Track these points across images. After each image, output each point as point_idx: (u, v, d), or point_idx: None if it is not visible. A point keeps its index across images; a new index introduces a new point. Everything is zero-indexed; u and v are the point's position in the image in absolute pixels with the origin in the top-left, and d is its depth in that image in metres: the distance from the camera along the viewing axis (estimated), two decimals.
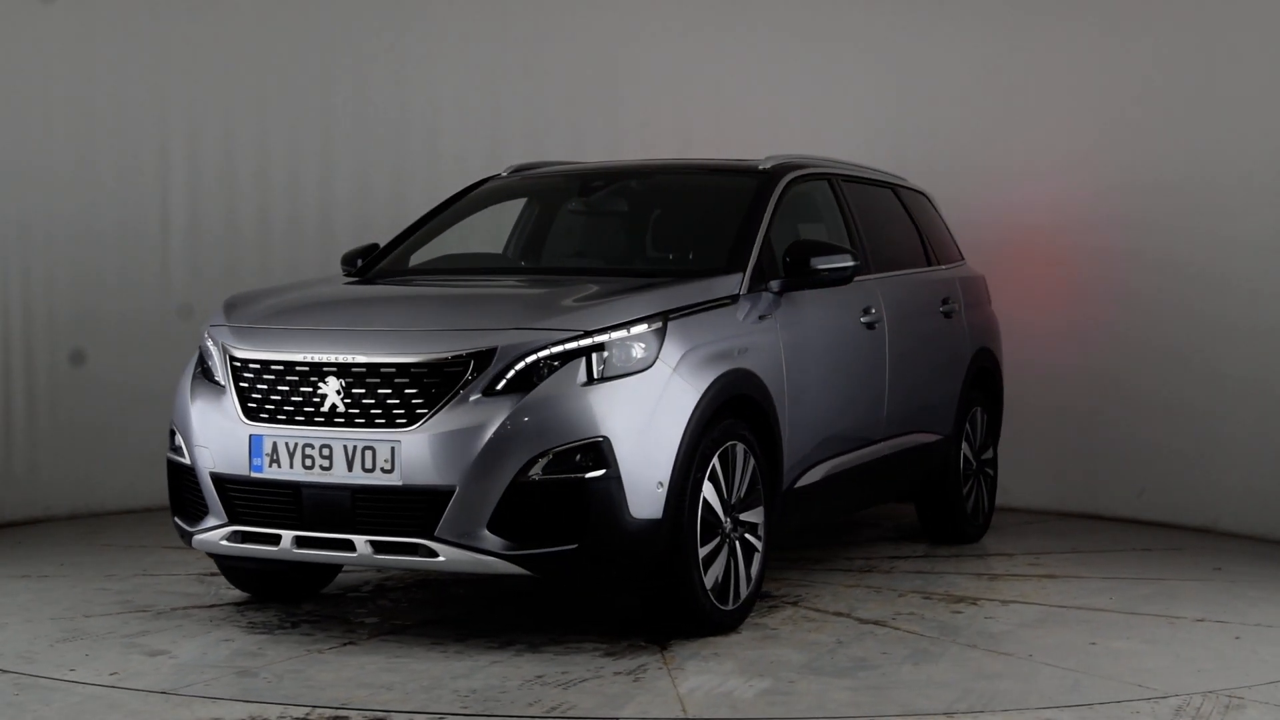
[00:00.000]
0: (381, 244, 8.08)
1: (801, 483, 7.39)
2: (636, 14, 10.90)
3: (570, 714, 5.55)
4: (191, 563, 8.10)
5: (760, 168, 7.89)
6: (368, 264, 7.88)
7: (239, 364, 6.61)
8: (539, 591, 7.61)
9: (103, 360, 9.80)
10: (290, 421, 6.44)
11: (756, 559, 6.97)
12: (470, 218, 8.25)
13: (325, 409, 6.38)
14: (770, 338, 7.12)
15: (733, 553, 6.80)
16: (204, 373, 6.82)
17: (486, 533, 6.19)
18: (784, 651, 6.50)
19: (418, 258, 8.01)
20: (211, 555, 6.92)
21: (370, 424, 6.29)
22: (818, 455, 7.53)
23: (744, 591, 6.88)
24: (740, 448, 6.82)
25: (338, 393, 6.37)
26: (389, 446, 6.25)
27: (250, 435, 6.49)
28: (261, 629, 6.82)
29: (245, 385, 6.58)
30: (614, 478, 6.24)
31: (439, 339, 6.36)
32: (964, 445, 9.08)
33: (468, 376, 6.25)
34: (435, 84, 10.76)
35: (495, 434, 6.16)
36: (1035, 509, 10.39)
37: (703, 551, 6.59)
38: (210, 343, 6.81)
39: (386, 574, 7.87)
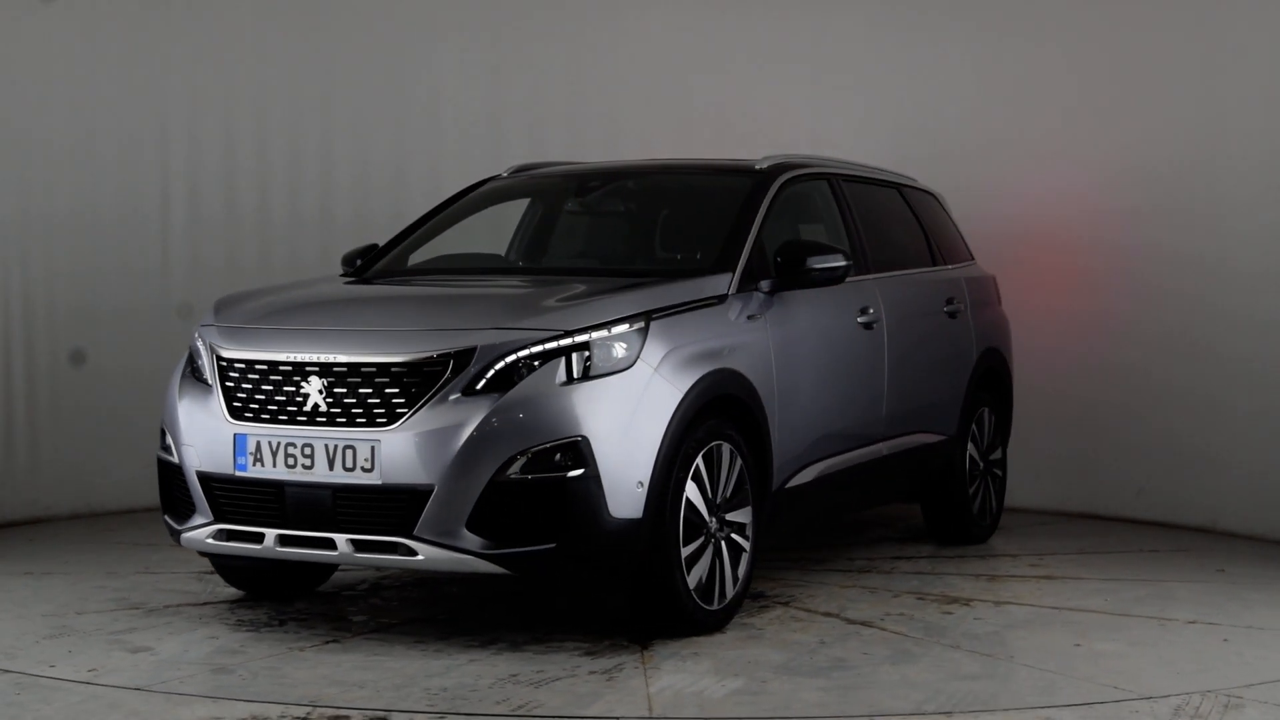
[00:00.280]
0: (381, 243, 8.12)
1: (793, 483, 7.39)
2: (637, 14, 10.92)
3: (536, 713, 5.57)
4: (192, 561, 8.15)
5: (756, 168, 7.88)
6: (365, 264, 7.93)
7: (225, 363, 6.67)
8: (529, 591, 7.63)
9: (103, 358, 9.85)
10: (274, 421, 6.49)
11: (744, 559, 6.97)
12: (471, 218, 8.28)
13: (308, 408, 6.42)
14: (759, 337, 7.12)
15: (718, 553, 6.80)
16: (193, 372, 6.88)
17: (465, 532, 6.22)
18: (765, 651, 6.50)
19: (417, 258, 8.05)
20: (202, 553, 6.97)
21: (351, 423, 6.34)
22: (811, 455, 7.52)
23: (730, 591, 6.88)
24: (726, 448, 6.83)
25: (320, 392, 6.42)
26: (369, 446, 6.29)
27: (234, 434, 6.55)
28: (248, 626, 6.88)
29: (231, 385, 6.63)
30: (593, 477, 6.26)
31: (419, 339, 6.40)
32: (970, 446, 9.03)
33: (447, 376, 6.28)
34: (435, 83, 10.80)
35: (473, 433, 6.19)
36: (1049, 510, 10.32)
37: (686, 551, 6.60)
38: (200, 342, 6.88)
39: (384, 572, 7.92)
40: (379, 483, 6.27)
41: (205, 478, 6.64)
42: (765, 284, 7.27)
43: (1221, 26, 9.64)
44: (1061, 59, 10.28)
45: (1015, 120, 10.39)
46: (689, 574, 6.62)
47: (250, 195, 10.41)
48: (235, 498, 6.58)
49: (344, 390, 6.38)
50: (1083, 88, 10.17)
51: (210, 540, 6.68)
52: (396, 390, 6.31)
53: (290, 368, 6.49)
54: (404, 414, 6.26)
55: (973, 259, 9.56)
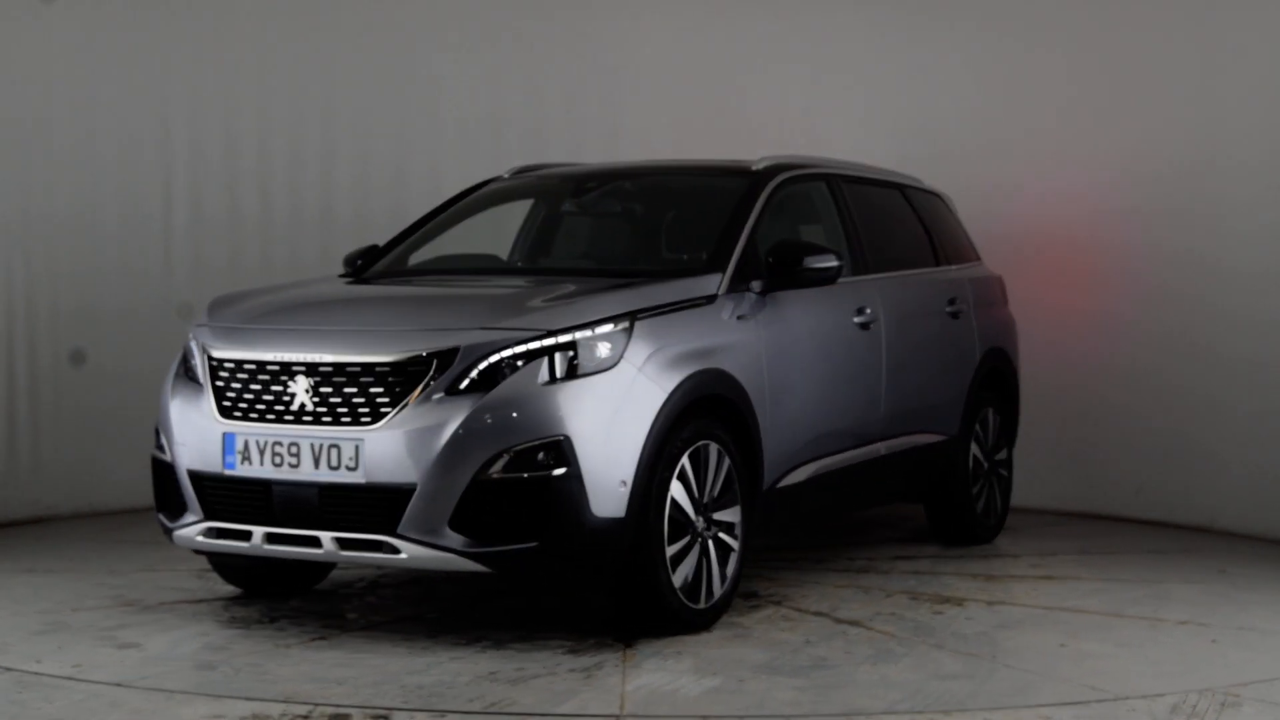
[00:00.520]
0: (381, 244, 8.18)
1: (785, 482, 7.40)
2: (638, 15, 10.94)
3: (508, 710, 5.61)
4: (194, 559, 8.18)
5: (753, 168, 7.90)
6: (364, 264, 7.99)
7: (215, 363, 6.74)
8: (522, 590, 7.66)
9: (105, 358, 9.91)
10: (262, 420, 6.55)
11: (733, 558, 6.98)
12: (472, 219, 8.33)
13: (295, 408, 6.48)
14: (749, 337, 7.13)
15: (705, 552, 6.81)
16: (186, 372, 6.95)
17: (448, 530, 6.26)
18: (748, 651, 6.52)
19: (417, 258, 8.10)
20: (197, 551, 7.02)
21: (337, 422, 6.39)
22: (804, 455, 7.53)
23: (718, 590, 6.89)
24: (713, 447, 6.84)
25: (307, 392, 6.47)
26: (353, 445, 6.34)
27: (224, 433, 6.61)
28: (240, 624, 6.94)
29: (221, 384, 6.70)
30: (574, 476, 6.29)
31: (404, 339, 6.45)
32: (974, 446, 9.01)
33: (431, 376, 6.33)
34: (436, 84, 10.85)
35: (455, 432, 6.23)
36: (1055, 510, 10.29)
37: (671, 550, 6.62)
38: (193, 342, 6.95)
39: (383, 571, 7.96)
40: (363, 481, 6.32)
41: (196, 476, 6.71)
42: (757, 284, 7.28)
43: (1221, 26, 9.61)
44: (1064, 59, 10.25)
45: (1022, 120, 10.38)
46: (674, 573, 6.64)
47: (251, 195, 10.47)
48: (225, 496, 6.65)
49: (330, 390, 6.43)
50: (1085, 88, 10.15)
51: (200, 538, 6.75)
52: (381, 390, 6.36)
53: (278, 367, 6.55)
54: (388, 413, 6.31)
55: (979, 259, 9.54)
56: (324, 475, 6.38)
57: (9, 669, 6.09)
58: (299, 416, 6.47)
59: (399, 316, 6.75)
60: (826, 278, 7.42)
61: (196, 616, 7.09)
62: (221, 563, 7.40)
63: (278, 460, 6.48)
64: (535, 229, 8.57)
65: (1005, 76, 10.43)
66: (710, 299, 7.05)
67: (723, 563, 6.93)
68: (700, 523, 6.79)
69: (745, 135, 10.02)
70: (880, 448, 8.17)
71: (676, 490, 6.64)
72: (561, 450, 6.29)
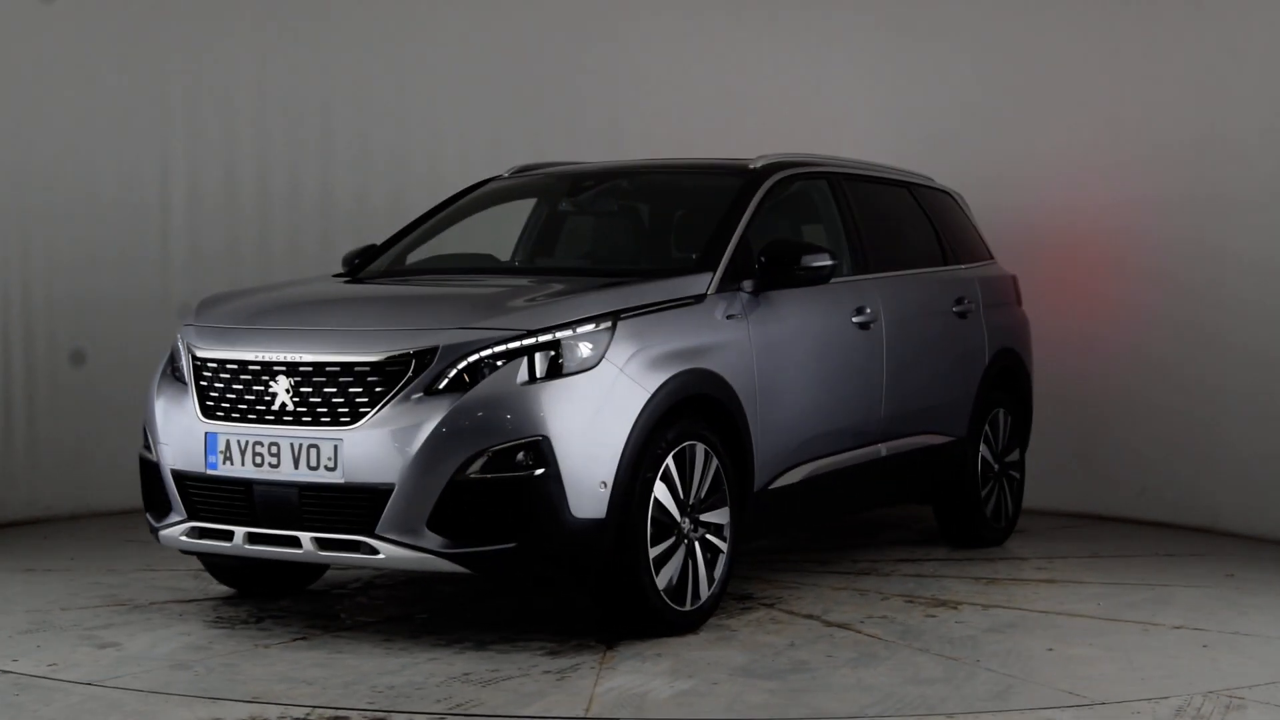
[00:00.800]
0: (380, 243, 8.17)
1: (778, 484, 7.33)
2: (638, 14, 10.91)
3: (472, 711, 5.58)
4: (194, 559, 8.14)
5: (750, 167, 7.84)
6: (361, 264, 7.98)
7: (199, 363, 6.74)
8: (516, 591, 7.63)
9: (102, 354, 9.91)
10: (244, 420, 6.55)
11: (721, 560, 6.93)
12: (472, 218, 8.31)
13: (276, 407, 6.47)
14: (739, 337, 7.08)
15: (691, 553, 6.76)
16: (173, 372, 6.96)
17: (426, 530, 6.24)
18: (729, 653, 6.46)
19: (415, 258, 8.09)
20: (184, 551, 7.02)
21: (317, 422, 6.38)
22: (799, 456, 7.46)
23: (705, 592, 6.84)
24: (700, 448, 6.79)
25: (287, 391, 6.46)
26: (332, 445, 6.33)
27: (206, 433, 6.62)
28: (224, 624, 6.94)
29: (205, 384, 6.70)
30: (553, 477, 6.25)
31: (383, 338, 6.43)
32: (983, 447, 8.91)
33: (409, 376, 6.30)
34: (435, 83, 10.83)
35: (433, 432, 6.20)
36: (1067, 511, 10.16)
37: (655, 552, 6.57)
38: (180, 342, 6.95)
39: (379, 571, 7.94)
40: (341, 482, 6.30)
41: (179, 476, 6.72)
42: (748, 284, 7.22)
43: (1230, 14, 9.49)
44: (1071, 53, 10.16)
45: (1029, 119, 10.27)
46: (659, 574, 6.59)
47: (250, 191, 10.48)
48: (207, 496, 6.65)
49: (310, 390, 6.42)
50: (1093, 81, 10.07)
51: (184, 538, 6.76)
52: (360, 390, 6.35)
53: (259, 367, 6.55)
54: (367, 413, 6.29)
55: (991, 258, 9.44)
56: (303, 475, 6.37)
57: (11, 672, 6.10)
58: (280, 416, 6.46)
59: (380, 316, 6.73)
60: (820, 277, 7.36)
61: (183, 616, 7.09)
62: (214, 563, 7.41)
63: (258, 460, 6.48)
64: (534, 228, 8.55)
65: (1011, 75, 10.33)
66: (699, 298, 6.99)
67: (711, 565, 6.87)
68: (686, 524, 6.73)
69: (751, 134, 9.97)
70: (881, 449, 8.08)
71: (660, 491, 6.58)
72: (540, 450, 6.26)
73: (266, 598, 7.45)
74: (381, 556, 6.29)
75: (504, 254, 8.37)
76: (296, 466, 6.39)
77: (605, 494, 6.37)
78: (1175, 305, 9.78)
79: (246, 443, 6.50)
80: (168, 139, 10.31)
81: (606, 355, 6.46)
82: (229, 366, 6.63)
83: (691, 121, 10.64)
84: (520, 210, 8.54)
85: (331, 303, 7.14)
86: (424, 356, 6.32)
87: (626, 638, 6.62)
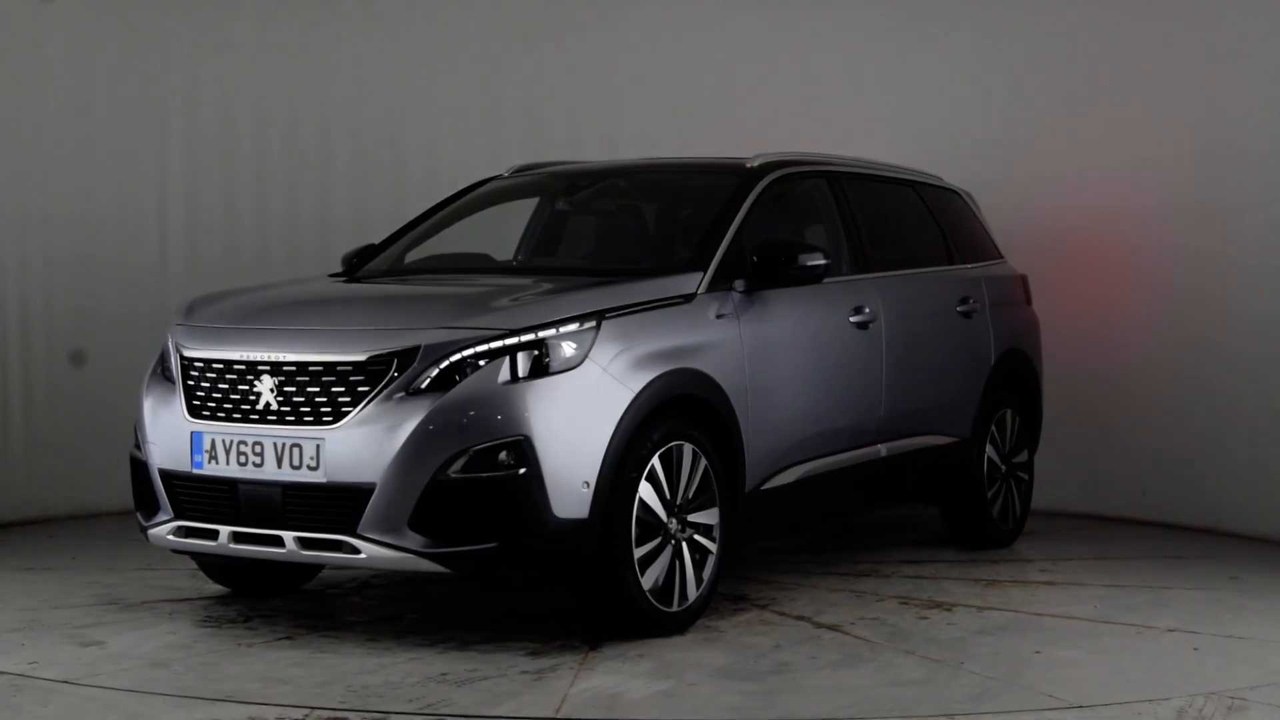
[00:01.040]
0: (378, 244, 8.17)
1: (771, 484, 7.29)
2: (638, 13, 10.90)
3: (442, 711, 5.56)
4: (193, 559, 8.25)
5: (746, 166, 7.81)
6: (357, 263, 7.99)
7: (187, 362, 6.76)
8: (511, 592, 7.61)
9: (101, 358, 9.92)
10: (229, 419, 6.56)
11: (711, 560, 6.89)
12: (471, 218, 8.30)
13: (260, 407, 6.48)
14: (730, 336, 7.04)
15: (678, 554, 6.72)
16: (163, 371, 6.98)
17: (408, 530, 6.23)
18: (713, 654, 6.43)
19: (413, 257, 8.08)
20: (175, 551, 7.03)
21: (300, 422, 6.38)
22: (792, 456, 7.42)
23: (693, 593, 6.80)
24: (688, 448, 6.76)
25: (272, 391, 6.47)
26: (314, 444, 6.34)
27: (192, 432, 6.63)
28: (212, 623, 6.95)
29: (192, 383, 6.72)
30: (534, 477, 6.23)
31: (367, 338, 6.43)
32: (989, 448, 8.84)
33: (391, 375, 6.30)
34: (435, 83, 10.83)
35: (414, 432, 6.20)
36: (1093, 515, 10.08)
37: (640, 552, 6.54)
38: (170, 341, 6.97)
39: (376, 570, 7.91)
40: (324, 481, 6.30)
41: (166, 475, 6.74)
42: (740, 283, 7.18)
43: (1229, 19, 9.42)
44: (1076, 55, 10.12)
45: (1038, 118, 10.21)
46: (644, 575, 6.56)
47: (249, 194, 10.49)
48: (193, 495, 6.67)
49: (293, 389, 6.43)
50: (1097, 82, 10.02)
51: (171, 537, 6.78)
52: (343, 389, 6.35)
53: (244, 366, 6.56)
54: (349, 413, 6.29)
55: (1000, 258, 9.37)
56: (286, 475, 6.38)
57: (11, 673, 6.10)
58: (264, 416, 6.47)
59: (364, 316, 6.73)
60: (813, 276, 7.32)
61: (173, 615, 7.11)
62: (208, 562, 7.43)
63: (242, 460, 6.49)
64: (534, 228, 8.54)
65: (1025, 77, 10.28)
66: (688, 298, 6.96)
67: (700, 565, 6.84)
68: (674, 525, 6.70)
69: (757, 134, 9.90)
70: (880, 449, 8.03)
71: (646, 491, 6.55)
72: (521, 450, 6.24)
73: (259, 597, 7.46)
74: (363, 556, 6.29)
75: (503, 253, 8.35)
76: (280, 466, 6.39)
77: (588, 494, 6.35)
78: (1179, 310, 9.72)
79: (231, 442, 6.52)
80: (166, 140, 10.32)
81: (590, 355, 6.43)
82: (215, 366, 6.64)
83: (699, 121, 10.61)
84: (519, 210, 8.53)
85: (318, 303, 7.14)
86: (406, 356, 6.32)
87: (612, 639, 6.59)
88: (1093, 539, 9.36)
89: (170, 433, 6.73)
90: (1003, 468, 9.00)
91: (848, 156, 8.54)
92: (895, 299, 8.14)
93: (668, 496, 6.66)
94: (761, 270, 7.24)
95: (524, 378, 6.31)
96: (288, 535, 6.41)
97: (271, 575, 7.50)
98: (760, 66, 10.72)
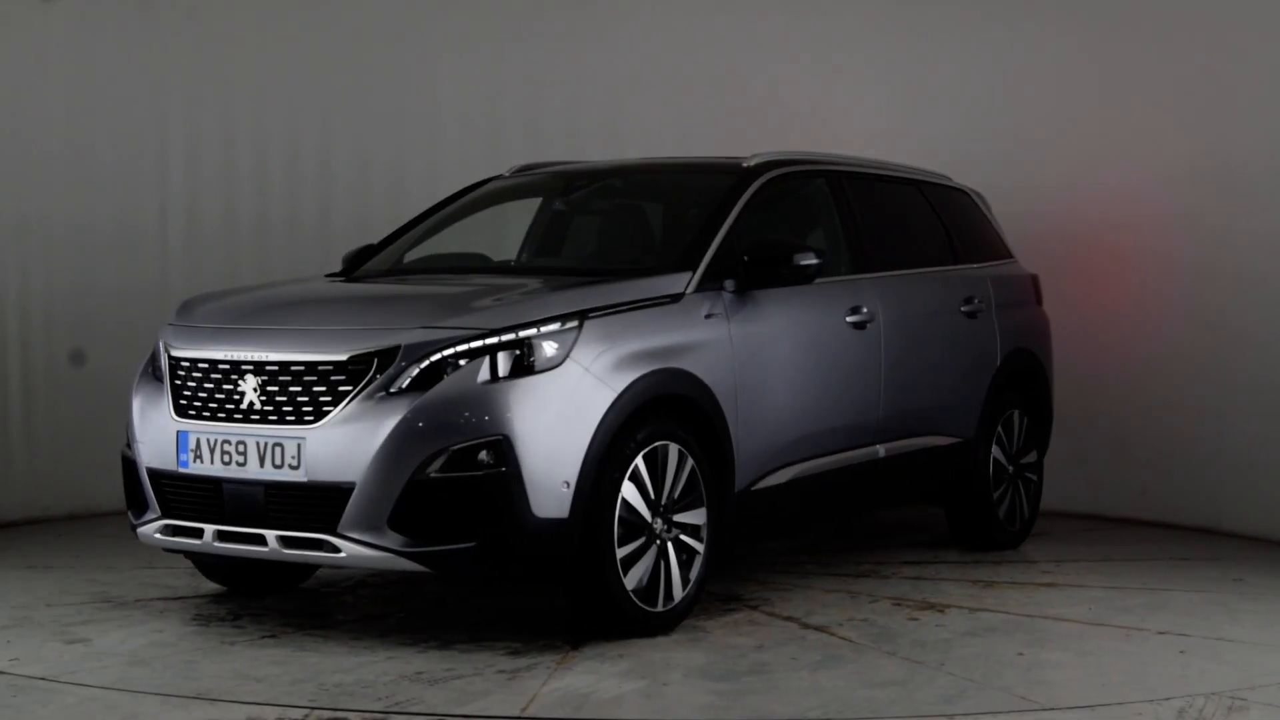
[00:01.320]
0: (376, 243, 8.20)
1: (763, 485, 7.26)
2: (639, 13, 10.89)
3: (408, 710, 5.57)
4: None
5: (743, 165, 7.79)
6: (354, 263, 8.02)
7: (174, 362, 6.81)
8: (506, 591, 7.61)
9: (100, 362, 9.94)
10: (214, 418, 6.60)
11: (698, 560, 6.87)
12: (472, 217, 8.32)
13: (244, 406, 6.51)
14: (719, 336, 7.01)
15: (663, 554, 6.71)
16: (153, 371, 7.02)
17: (388, 529, 6.25)
18: (693, 654, 6.42)
19: (412, 257, 8.10)
20: (168, 550, 7.07)
21: (282, 421, 6.41)
22: (785, 457, 7.39)
23: (679, 593, 6.78)
24: (673, 448, 6.74)
25: (255, 390, 6.50)
26: (295, 443, 6.36)
27: (178, 431, 6.67)
28: (200, 621, 6.99)
29: (179, 383, 6.76)
30: (514, 476, 6.23)
31: (348, 338, 6.45)
32: (995, 449, 8.78)
33: (371, 375, 6.32)
34: (435, 84, 10.85)
35: (393, 432, 6.21)
36: (1110, 516, 10.00)
37: (623, 552, 6.53)
38: (160, 341, 7.02)
39: (372, 569, 7.94)
40: (304, 480, 6.33)
41: (154, 474, 6.79)
42: (730, 283, 7.16)
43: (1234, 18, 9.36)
44: (1081, 55, 10.07)
45: (1046, 119, 10.16)
46: (627, 575, 6.55)
47: (249, 198, 10.52)
48: (179, 493, 6.71)
49: (276, 389, 6.46)
50: (1101, 85, 9.98)
51: (158, 535, 6.82)
52: (324, 389, 6.37)
53: (228, 366, 6.60)
54: (330, 412, 6.31)
55: (1010, 257, 9.31)
56: (269, 474, 6.41)
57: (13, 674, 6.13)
58: (247, 415, 6.50)
59: (347, 316, 6.75)
60: (804, 276, 7.30)
61: (164, 613, 7.15)
62: (205, 561, 7.46)
63: (226, 459, 6.52)
64: (534, 228, 8.55)
65: (1028, 76, 10.24)
66: (676, 298, 6.94)
67: (687, 565, 6.82)
68: (659, 524, 6.69)
69: (761, 134, 9.90)
70: (879, 449, 7.98)
71: (629, 491, 6.54)
72: (500, 449, 6.24)
73: (253, 596, 7.49)
74: (343, 555, 6.31)
75: (503, 253, 8.36)
76: (262, 465, 6.43)
77: (568, 494, 6.35)
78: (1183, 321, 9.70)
79: (216, 441, 6.55)
80: (166, 142, 10.36)
81: (572, 354, 6.43)
82: (200, 366, 6.68)
83: (704, 122, 10.62)
84: (519, 210, 8.54)
85: (304, 303, 7.16)
86: (386, 356, 6.34)
87: (595, 639, 6.58)
88: (1101, 540, 9.29)
89: (158, 432, 6.78)
90: (1009, 469, 8.94)
91: (850, 156, 8.50)
92: (895, 299, 8.09)
93: (652, 496, 6.65)
94: (752, 270, 7.22)
95: (504, 377, 6.31)
96: (270, 534, 6.44)
97: (266, 574, 7.53)
98: (766, 69, 10.72)
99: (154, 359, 7.06)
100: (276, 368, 6.47)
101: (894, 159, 9.01)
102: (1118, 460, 9.99)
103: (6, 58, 9.87)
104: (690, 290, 7.00)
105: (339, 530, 6.29)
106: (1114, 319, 9.97)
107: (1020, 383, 9.05)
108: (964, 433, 8.58)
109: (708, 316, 7.01)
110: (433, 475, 6.22)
